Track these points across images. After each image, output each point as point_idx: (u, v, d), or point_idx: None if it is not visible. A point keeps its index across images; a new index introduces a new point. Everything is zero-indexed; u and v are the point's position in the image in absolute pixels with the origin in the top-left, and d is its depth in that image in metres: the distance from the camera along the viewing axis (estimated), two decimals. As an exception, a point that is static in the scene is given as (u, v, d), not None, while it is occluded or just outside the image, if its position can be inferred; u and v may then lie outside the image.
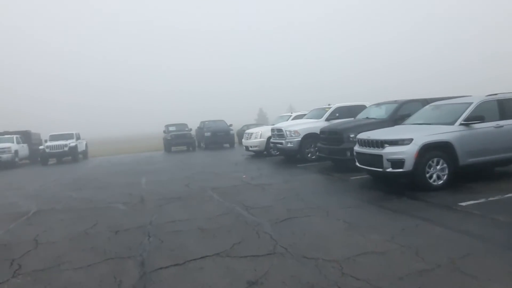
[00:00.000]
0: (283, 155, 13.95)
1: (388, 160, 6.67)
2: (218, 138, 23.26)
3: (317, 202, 6.33)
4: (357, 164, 7.78)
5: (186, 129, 24.83)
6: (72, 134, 21.55)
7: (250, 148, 15.38)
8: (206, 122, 25.20)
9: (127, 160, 18.85)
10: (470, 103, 7.09)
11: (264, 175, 10.11)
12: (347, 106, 13.08)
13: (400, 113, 9.52)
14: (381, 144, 6.88)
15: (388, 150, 6.71)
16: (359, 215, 5.41)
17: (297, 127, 12.30)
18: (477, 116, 6.77)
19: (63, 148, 19.98)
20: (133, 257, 4.20)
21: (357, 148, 7.80)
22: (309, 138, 12.23)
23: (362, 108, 13.15)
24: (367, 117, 10.32)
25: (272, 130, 13.43)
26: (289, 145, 12.20)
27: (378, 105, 10.83)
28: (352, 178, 8.48)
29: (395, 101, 10.38)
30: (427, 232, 4.40)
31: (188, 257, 4.05)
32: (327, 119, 12.56)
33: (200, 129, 25.11)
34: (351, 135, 9.35)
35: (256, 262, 3.79)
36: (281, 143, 12.47)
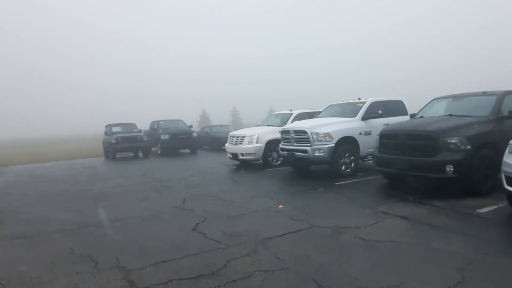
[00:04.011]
0: (294, 166, 10.28)
1: None
2: (177, 142, 18.78)
3: None
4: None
5: (135, 130, 19.87)
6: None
7: (242, 157, 11.42)
8: (161, 122, 20.55)
9: (59, 172, 13.59)
10: None
11: (310, 204, 6.33)
12: (383, 101, 9.89)
13: (509, 109, 6.52)
14: None
15: None
16: None
17: (328, 128, 8.72)
18: None
19: (-41, 156, 13.99)
20: None
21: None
22: (344, 143, 8.76)
23: (399, 103, 10.17)
24: (450, 114, 7.10)
25: (285, 132, 9.67)
26: (317, 153, 8.56)
27: (456, 98, 7.71)
28: (480, 211, 5.16)
29: (484, 92, 7.36)
30: None
31: None
32: (364, 118, 9.22)
33: (153, 131, 20.36)
34: (451, 141, 6.04)
35: None
36: (304, 151, 8.77)
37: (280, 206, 6.15)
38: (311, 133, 8.65)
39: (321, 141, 8.57)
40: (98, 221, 5.84)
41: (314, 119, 9.86)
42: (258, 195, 7.25)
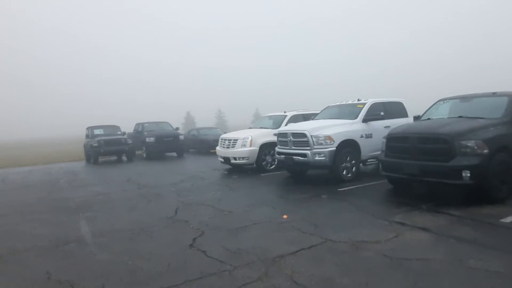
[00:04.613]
0: (291, 171, 9.75)
1: None
2: (164, 145, 18.01)
3: None
4: None
5: (119, 132, 18.98)
6: None
7: (234, 161, 10.82)
8: (146, 125, 19.72)
9: (36, 177, 12.68)
10: None
11: (316, 214, 5.80)
12: (383, 102, 9.47)
13: (523, 110, 6.17)
14: None
15: None
16: None
17: (329, 131, 8.22)
18: None
19: None
20: None
21: None
22: (345, 147, 8.29)
23: (398, 105, 9.81)
24: (460, 116, 6.70)
25: (282, 135, 9.12)
26: (317, 157, 8.06)
27: (464, 99, 7.33)
28: (504, 221, 4.75)
29: (494, 93, 7.02)
30: None
31: None
32: (365, 120, 8.78)
33: (138, 133, 19.52)
34: (468, 144, 5.62)
35: None
36: (303, 155, 8.25)
37: (285, 216, 5.60)
38: (311, 135, 8.14)
39: (321, 144, 8.06)
40: (79, 236, 5.14)
41: (313, 121, 9.35)
42: (258, 203, 6.67)
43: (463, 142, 5.63)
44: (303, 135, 8.32)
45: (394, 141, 6.63)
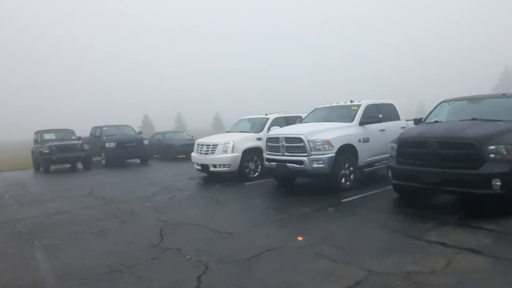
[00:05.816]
0: (279, 179, 8.85)
1: None
2: (126, 151, 16.38)
3: None
4: None
5: (73, 137, 17.03)
6: None
7: (214, 169, 9.73)
8: (105, 128, 17.89)
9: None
10: None
11: (335, 233, 4.92)
12: (376, 104, 8.87)
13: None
14: None
15: None
16: None
17: (327, 135, 7.43)
18: None
19: None
20: None
21: None
22: (344, 152, 7.55)
23: (390, 107, 9.30)
24: (474, 118, 6.17)
25: (272, 140, 8.17)
26: (316, 164, 7.24)
27: (472, 101, 6.85)
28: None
29: (503, 94, 6.65)
30: None
31: None
32: (361, 123, 8.11)
33: (95, 138, 17.67)
34: (498, 150, 5.09)
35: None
36: (299, 162, 7.38)
37: (299, 238, 4.67)
38: (308, 140, 7.30)
39: (319, 150, 7.25)
40: (39, 280, 3.85)
41: (306, 124, 8.49)
42: (258, 221, 5.69)
43: (492, 147, 5.06)
44: (299, 139, 7.45)
45: (409, 146, 5.95)
